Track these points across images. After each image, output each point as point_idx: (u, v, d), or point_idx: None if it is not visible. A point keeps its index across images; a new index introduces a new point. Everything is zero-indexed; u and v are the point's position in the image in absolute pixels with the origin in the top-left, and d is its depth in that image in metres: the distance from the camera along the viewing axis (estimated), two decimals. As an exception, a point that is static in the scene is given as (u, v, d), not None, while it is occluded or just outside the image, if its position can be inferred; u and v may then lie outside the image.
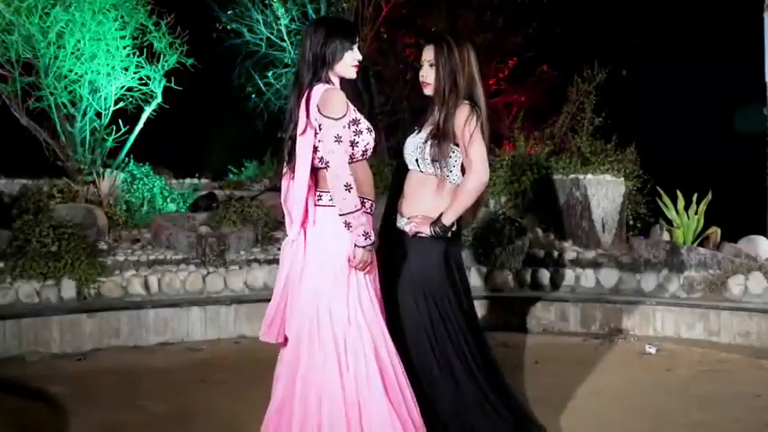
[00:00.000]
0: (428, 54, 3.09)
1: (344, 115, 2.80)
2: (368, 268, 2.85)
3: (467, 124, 3.00)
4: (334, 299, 2.81)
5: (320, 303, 2.82)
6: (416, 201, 3.07)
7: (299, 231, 2.88)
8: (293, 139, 2.89)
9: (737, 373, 4.78)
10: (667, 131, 11.17)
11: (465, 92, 3.06)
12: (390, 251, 3.07)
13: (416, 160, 3.06)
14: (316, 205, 2.88)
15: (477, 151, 3.00)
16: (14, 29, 7.98)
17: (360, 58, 2.96)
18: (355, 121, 2.86)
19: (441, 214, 3.01)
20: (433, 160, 3.02)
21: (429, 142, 3.02)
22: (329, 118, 2.78)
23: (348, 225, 2.79)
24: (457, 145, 3.03)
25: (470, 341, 3.01)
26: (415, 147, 3.08)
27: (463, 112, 3.02)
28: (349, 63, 2.92)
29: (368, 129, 2.89)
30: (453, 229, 3.04)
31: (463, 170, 3.06)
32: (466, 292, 3.11)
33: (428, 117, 3.16)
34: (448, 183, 3.06)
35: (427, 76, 3.08)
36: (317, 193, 2.88)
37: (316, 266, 2.85)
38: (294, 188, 2.87)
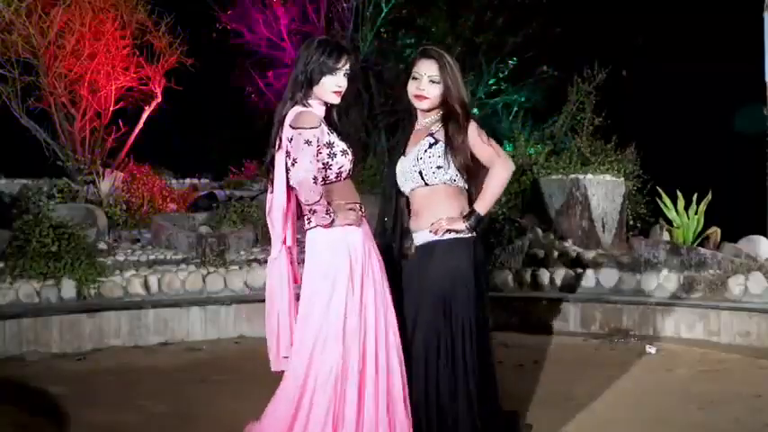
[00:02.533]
0: (429, 69, 3.06)
1: (315, 127, 2.82)
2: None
3: (479, 132, 3.04)
4: (328, 318, 2.81)
5: (314, 321, 2.82)
6: (433, 211, 3.02)
7: (281, 249, 2.91)
8: (272, 156, 2.92)
9: (737, 373, 4.77)
10: (667, 131, 11.17)
11: (458, 108, 3.07)
12: (412, 267, 3.05)
13: (420, 172, 3.03)
14: (306, 230, 2.92)
15: (496, 145, 3.06)
16: (14, 29, 7.98)
17: (343, 85, 2.93)
18: (329, 144, 2.88)
19: (471, 209, 2.99)
20: (438, 167, 3.00)
21: (450, 154, 3.00)
22: (300, 128, 2.81)
23: (313, 212, 2.83)
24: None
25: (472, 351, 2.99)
26: (417, 160, 3.04)
27: (473, 125, 3.06)
28: (329, 89, 2.90)
29: (342, 151, 2.90)
30: (482, 223, 3.03)
31: (461, 171, 3.05)
32: (480, 295, 3.05)
33: (409, 135, 3.16)
34: (455, 186, 3.05)
35: (427, 91, 3.06)
36: (306, 218, 2.92)
37: (315, 280, 2.86)
38: (273, 203, 2.90)
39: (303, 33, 10.63)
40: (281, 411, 2.79)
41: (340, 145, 2.90)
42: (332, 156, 2.87)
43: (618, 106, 8.65)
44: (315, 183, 2.77)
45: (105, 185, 8.07)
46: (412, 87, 3.10)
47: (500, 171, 3.00)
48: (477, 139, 3.03)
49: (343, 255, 2.84)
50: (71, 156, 8.48)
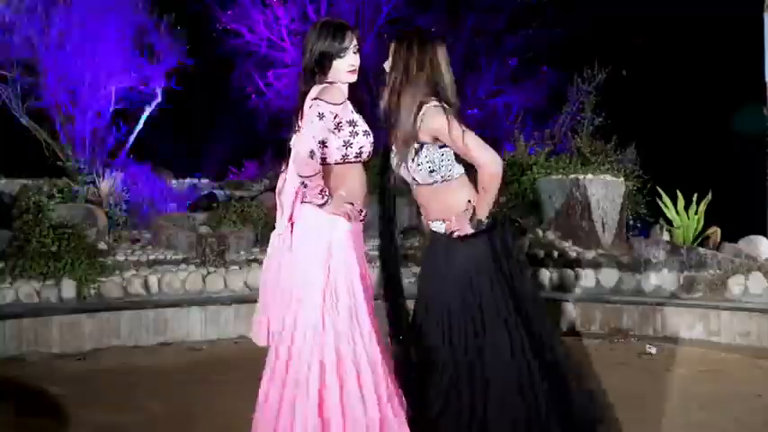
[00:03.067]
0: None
1: (336, 103, 2.76)
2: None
3: (449, 123, 2.84)
4: (310, 293, 2.80)
5: (295, 296, 2.84)
6: (439, 202, 2.97)
7: (287, 225, 2.88)
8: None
9: (737, 373, 4.77)
10: (667, 131, 11.17)
11: (427, 91, 2.91)
12: (432, 257, 3.01)
13: (414, 179, 2.97)
14: (302, 202, 2.87)
15: (475, 142, 2.85)
16: (14, 29, 7.99)
17: (355, 62, 2.88)
18: (352, 123, 2.84)
19: (474, 215, 2.90)
20: (431, 171, 2.92)
21: (413, 157, 2.90)
22: (320, 99, 2.75)
23: (305, 186, 2.77)
24: (444, 146, 2.91)
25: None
26: (408, 168, 2.95)
27: (434, 113, 2.87)
28: (343, 69, 2.86)
29: (365, 132, 2.86)
30: (489, 220, 2.93)
31: (459, 160, 2.95)
32: (512, 278, 2.96)
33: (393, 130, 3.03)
34: (454, 180, 2.97)
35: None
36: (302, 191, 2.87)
37: (300, 258, 2.85)
38: (287, 181, 2.87)
39: (303, 33, 10.64)
40: (273, 396, 2.85)
41: (363, 125, 2.87)
42: (354, 134, 2.83)
43: (618, 106, 8.65)
44: (311, 157, 2.70)
45: (105, 185, 8.07)
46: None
47: (484, 176, 2.86)
48: (447, 139, 2.86)
49: (322, 247, 2.81)
50: (71, 156, 8.48)
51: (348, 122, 2.83)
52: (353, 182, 2.87)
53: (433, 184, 2.96)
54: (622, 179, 7.34)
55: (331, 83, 2.85)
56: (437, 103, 2.87)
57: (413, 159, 2.93)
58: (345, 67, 2.86)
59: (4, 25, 7.95)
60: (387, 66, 2.98)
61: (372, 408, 2.74)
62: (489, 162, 2.84)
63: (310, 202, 2.83)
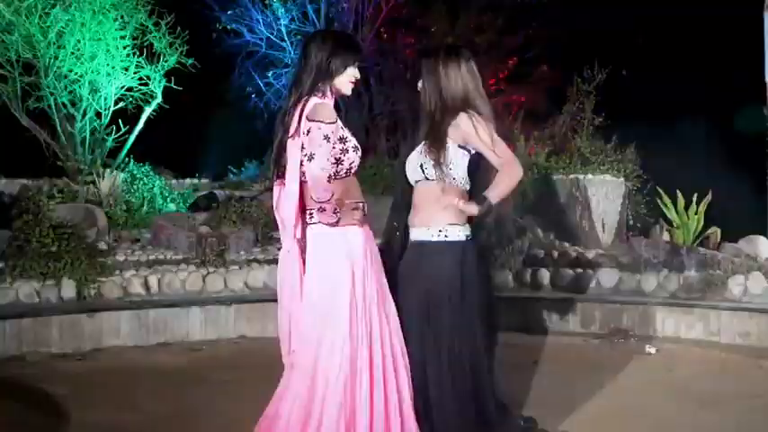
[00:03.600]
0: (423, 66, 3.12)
1: (333, 122, 2.81)
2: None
3: (477, 129, 2.98)
4: (332, 320, 2.79)
5: (317, 322, 2.81)
6: (428, 209, 3.02)
7: (293, 242, 2.87)
8: (282, 145, 2.88)
9: (737, 373, 4.77)
10: (667, 131, 11.16)
11: (458, 104, 3.04)
12: (404, 265, 3.05)
13: (421, 165, 3.03)
14: (307, 224, 2.89)
15: (505, 149, 2.99)
16: (14, 29, 7.99)
17: (358, 75, 2.98)
18: (342, 139, 2.86)
19: (483, 196, 2.94)
20: (435, 164, 2.98)
21: (427, 148, 3.01)
22: (319, 121, 2.79)
23: (322, 210, 2.79)
24: (463, 148, 3.02)
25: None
26: (418, 153, 3.06)
27: (465, 119, 3.01)
28: (348, 79, 2.94)
29: (354, 147, 2.89)
30: (491, 212, 3.00)
31: (468, 171, 3.05)
32: (482, 294, 3.05)
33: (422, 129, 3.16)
34: (456, 186, 3.02)
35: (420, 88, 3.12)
36: (308, 211, 2.88)
37: (316, 282, 2.84)
38: (286, 194, 2.86)
39: (303, 33, 10.64)
40: (294, 415, 2.76)
41: (352, 140, 2.89)
42: (344, 151, 2.86)
43: (618, 106, 8.64)
44: (329, 181, 2.76)
45: (105, 185, 8.08)
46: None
47: (512, 174, 2.96)
48: (477, 142, 2.98)
49: (341, 256, 2.82)
50: (71, 156, 8.48)
51: (339, 139, 2.85)
52: (350, 194, 2.88)
53: (434, 180, 3.00)
54: (622, 179, 7.35)
55: (323, 94, 2.88)
56: (468, 113, 3.02)
57: (440, 160, 3.00)
58: (352, 77, 2.94)
59: (4, 25, 7.95)
60: (420, 85, 3.10)
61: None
62: (514, 160, 3.00)
63: (319, 223, 2.83)
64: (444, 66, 3.06)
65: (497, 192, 2.96)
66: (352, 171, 2.91)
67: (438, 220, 2.99)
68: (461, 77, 3.06)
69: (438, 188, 3.01)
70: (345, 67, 2.90)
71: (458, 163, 3.02)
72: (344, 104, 10.60)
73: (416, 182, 3.09)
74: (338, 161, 2.85)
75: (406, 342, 2.94)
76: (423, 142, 3.06)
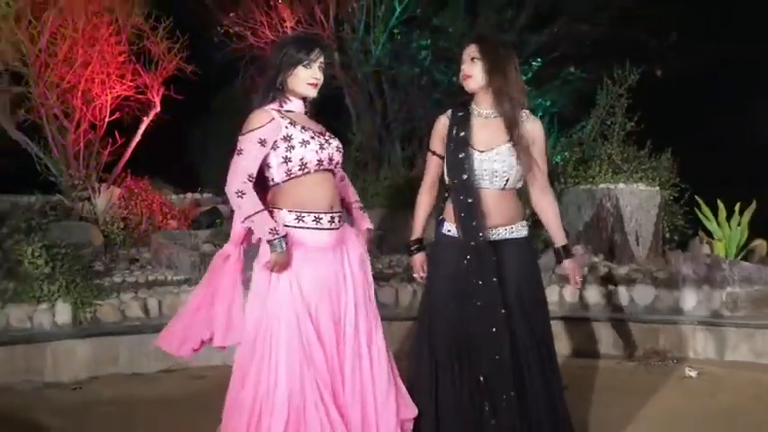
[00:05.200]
0: (471, 50, 3.28)
1: (251, 130, 3.03)
2: (284, 269, 3.08)
3: (546, 141, 3.34)
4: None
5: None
6: (502, 215, 3.30)
7: (235, 247, 3.27)
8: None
9: (787, 399, 4.75)
10: (706, 136, 11.11)
11: (520, 98, 3.30)
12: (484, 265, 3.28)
13: (496, 173, 3.26)
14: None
15: (546, 169, 3.39)
16: (2, 35, 8.09)
17: (318, 76, 3.11)
18: (287, 138, 3.05)
19: (563, 245, 3.47)
20: (522, 176, 3.33)
21: (519, 159, 3.26)
22: (241, 133, 3.06)
23: (252, 229, 3.08)
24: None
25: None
26: (496, 161, 3.26)
27: (538, 123, 3.34)
28: (304, 80, 3.10)
29: (302, 142, 3.05)
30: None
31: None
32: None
33: (468, 123, 3.33)
34: (513, 189, 3.35)
35: (469, 68, 3.26)
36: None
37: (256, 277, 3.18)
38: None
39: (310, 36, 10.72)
40: (235, 420, 3.15)
41: (300, 136, 3.06)
42: (289, 149, 3.04)
43: (652, 109, 8.62)
44: (240, 197, 3.01)
45: (101, 202, 8.15)
46: (460, 74, 3.32)
47: (552, 203, 3.44)
48: (537, 149, 3.33)
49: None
50: (64, 170, 8.56)
51: (282, 138, 3.04)
52: (312, 192, 3.08)
53: (507, 189, 3.29)
54: (657, 188, 7.31)
55: (281, 101, 3.12)
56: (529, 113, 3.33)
57: (506, 152, 3.25)
58: (307, 78, 3.09)
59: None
60: (469, 60, 3.27)
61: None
62: (552, 193, 3.42)
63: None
64: (513, 58, 3.30)
65: (560, 230, 3.47)
66: (309, 168, 3.08)
67: (513, 216, 3.35)
68: (509, 65, 3.29)
69: (508, 195, 3.33)
70: (295, 68, 3.07)
71: (514, 167, 3.30)
72: (355, 110, 10.70)
73: (486, 188, 3.27)
74: (286, 159, 3.05)
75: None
76: (507, 144, 3.25)
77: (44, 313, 5.86)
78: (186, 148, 12.32)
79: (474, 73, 3.24)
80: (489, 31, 11.23)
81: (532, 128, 3.30)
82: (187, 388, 5.28)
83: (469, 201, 3.25)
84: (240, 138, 3.05)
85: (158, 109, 9.17)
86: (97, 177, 8.66)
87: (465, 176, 3.25)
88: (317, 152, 3.07)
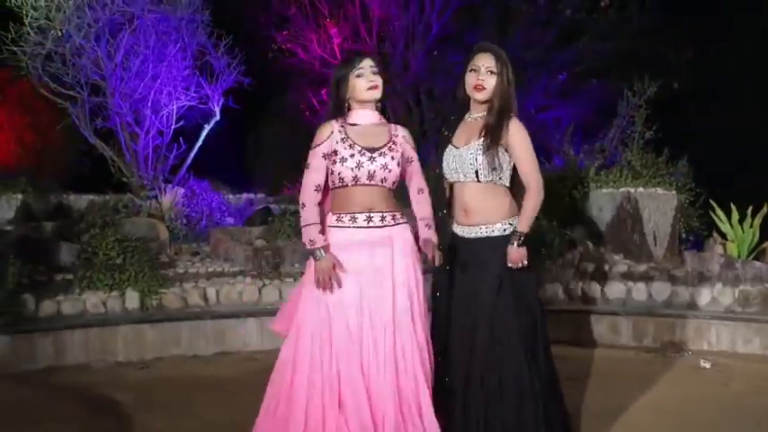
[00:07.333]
0: (487, 61, 3.17)
1: (316, 146, 3.10)
2: (326, 281, 3.01)
3: (526, 141, 3.13)
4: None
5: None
6: (483, 209, 3.17)
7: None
8: None
9: (796, 390, 4.60)
10: (720, 143, 10.86)
11: (513, 106, 3.19)
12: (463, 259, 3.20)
13: (476, 172, 3.14)
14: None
15: (535, 169, 3.15)
16: (84, 52, 8.25)
17: (372, 79, 3.08)
18: (334, 153, 3.09)
19: (515, 230, 3.13)
20: (492, 168, 3.11)
21: (487, 152, 3.11)
22: (310, 148, 3.13)
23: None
24: (506, 151, 3.15)
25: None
26: (473, 156, 3.14)
27: (520, 128, 3.14)
28: (362, 88, 3.08)
29: (341, 159, 3.06)
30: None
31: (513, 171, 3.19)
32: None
33: (457, 124, 3.30)
34: (501, 185, 3.19)
35: (486, 81, 3.17)
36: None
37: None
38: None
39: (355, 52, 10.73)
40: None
41: (342, 153, 3.07)
42: (333, 163, 3.09)
43: (669, 119, 8.45)
44: (302, 208, 3.08)
45: (167, 200, 8.25)
46: (471, 79, 3.20)
47: (530, 201, 3.14)
48: (517, 151, 3.13)
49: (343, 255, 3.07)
50: (135, 172, 8.69)
51: (332, 152, 3.08)
52: (349, 200, 3.09)
53: (485, 182, 3.14)
54: (674, 192, 7.16)
55: (345, 112, 3.12)
56: (515, 118, 3.18)
57: (479, 149, 3.13)
58: (364, 84, 3.07)
59: (74, 49, 8.22)
60: (485, 71, 3.17)
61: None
62: (540, 188, 3.15)
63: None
64: (505, 63, 3.17)
65: (525, 222, 3.13)
66: (346, 183, 3.08)
67: (498, 210, 3.18)
68: (512, 77, 3.19)
69: (488, 188, 3.16)
70: (348, 82, 3.08)
71: (505, 167, 3.15)
72: (395, 119, 10.68)
73: (462, 182, 3.19)
74: (331, 172, 3.11)
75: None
76: (479, 141, 3.14)
77: (116, 300, 5.95)
78: (242, 152, 12.41)
79: (489, 86, 3.15)
80: (518, 47, 11.16)
81: (513, 130, 3.14)
82: (241, 369, 5.31)
83: (447, 194, 3.30)
84: (310, 152, 3.12)
85: (218, 117, 9.26)
86: (163, 179, 8.77)
87: (439, 170, 3.28)
88: (352, 169, 3.05)
